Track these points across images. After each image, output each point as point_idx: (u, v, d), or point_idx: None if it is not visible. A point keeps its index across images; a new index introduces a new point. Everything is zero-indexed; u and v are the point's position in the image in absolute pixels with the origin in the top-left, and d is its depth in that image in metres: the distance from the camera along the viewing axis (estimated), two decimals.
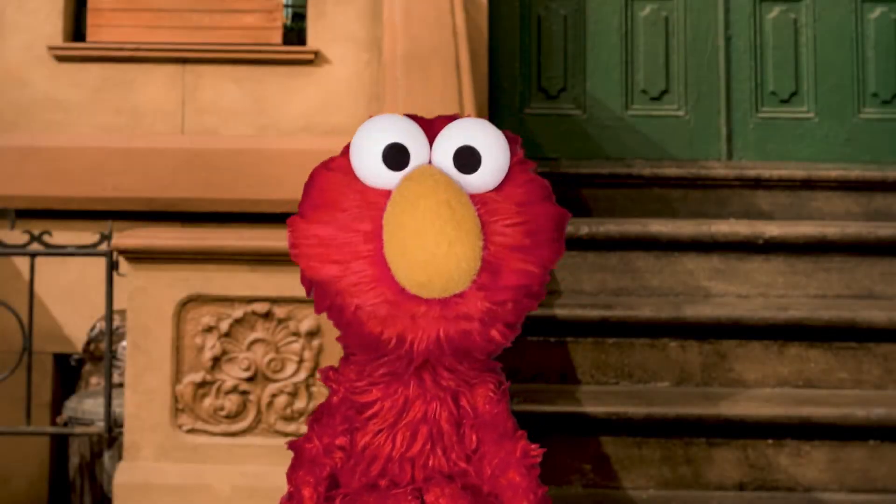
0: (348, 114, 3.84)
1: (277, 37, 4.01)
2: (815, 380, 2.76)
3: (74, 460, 3.39)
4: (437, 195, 1.41)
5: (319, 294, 1.51)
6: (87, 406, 3.31)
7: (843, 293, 3.03)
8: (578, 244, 2.99)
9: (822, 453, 2.57)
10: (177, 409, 2.78)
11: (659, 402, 2.63)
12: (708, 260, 3.05)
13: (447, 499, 1.50)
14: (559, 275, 2.95)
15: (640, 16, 3.93)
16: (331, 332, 2.73)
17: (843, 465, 2.56)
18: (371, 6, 3.88)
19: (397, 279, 1.43)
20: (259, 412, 2.78)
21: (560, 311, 2.79)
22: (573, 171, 3.61)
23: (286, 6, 4.13)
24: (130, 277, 2.83)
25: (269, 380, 2.78)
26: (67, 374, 3.79)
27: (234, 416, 2.78)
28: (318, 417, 1.61)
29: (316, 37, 3.95)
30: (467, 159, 1.48)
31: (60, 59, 3.92)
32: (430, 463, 1.54)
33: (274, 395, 2.78)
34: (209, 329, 2.79)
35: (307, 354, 2.78)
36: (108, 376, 3.01)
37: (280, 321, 2.78)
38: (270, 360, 2.78)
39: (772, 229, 3.08)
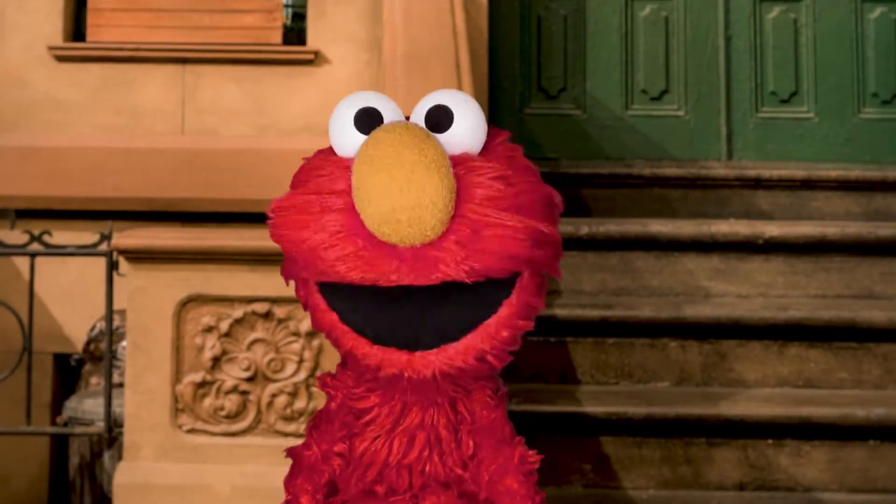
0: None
1: (277, 37, 4.01)
2: (815, 380, 2.76)
3: (74, 460, 3.39)
4: (403, 138, 1.38)
5: (294, 266, 1.48)
6: (87, 406, 3.31)
7: (843, 293, 3.03)
8: (578, 244, 2.99)
9: (822, 453, 2.56)
10: (177, 409, 2.78)
11: (659, 402, 2.63)
12: (708, 260, 3.05)
13: None
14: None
15: (640, 16, 3.93)
16: None
17: (843, 465, 2.56)
18: (371, 6, 3.88)
19: (367, 227, 1.39)
20: (259, 412, 2.78)
21: (560, 311, 2.79)
22: (573, 171, 3.60)
23: (286, 6, 4.13)
24: (130, 277, 2.83)
25: (269, 380, 2.78)
26: (67, 374, 3.79)
27: (234, 416, 2.78)
28: (316, 424, 1.61)
29: (316, 37, 3.95)
30: (439, 118, 1.45)
31: (60, 59, 3.92)
32: (428, 469, 1.54)
33: (274, 395, 2.78)
34: (209, 329, 2.79)
35: (307, 354, 2.78)
36: (108, 376, 3.01)
37: (280, 321, 2.78)
38: (270, 360, 2.78)
39: (772, 229, 3.08)
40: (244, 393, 2.78)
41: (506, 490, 1.52)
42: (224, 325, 2.78)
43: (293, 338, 2.78)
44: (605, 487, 2.55)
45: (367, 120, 1.47)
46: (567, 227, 2.99)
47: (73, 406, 3.37)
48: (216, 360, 2.79)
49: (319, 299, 1.49)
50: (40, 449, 3.68)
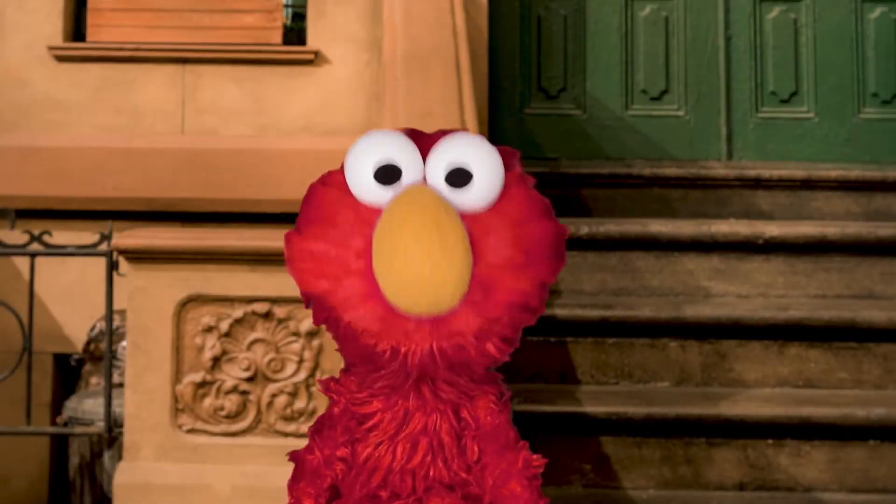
0: (348, 114, 3.84)
1: (277, 37, 4.01)
2: (815, 380, 2.76)
3: (74, 460, 3.39)
4: (424, 215, 1.41)
5: (316, 306, 1.52)
6: (87, 406, 3.31)
7: (843, 293, 3.03)
8: (578, 244, 2.99)
9: (822, 453, 2.56)
10: (177, 409, 2.78)
11: (659, 402, 2.63)
12: (708, 260, 3.05)
13: None
14: (559, 275, 2.95)
15: (640, 16, 3.93)
16: None
17: (843, 465, 2.56)
18: (371, 6, 3.88)
19: (385, 297, 1.43)
20: (259, 412, 2.78)
21: (560, 311, 2.79)
22: (573, 171, 3.60)
23: (286, 6, 4.13)
24: (130, 277, 2.83)
25: (269, 380, 2.78)
26: (67, 374, 3.78)
27: (234, 416, 2.78)
28: (318, 429, 1.61)
29: (316, 37, 3.95)
30: (459, 177, 1.47)
31: (60, 59, 3.92)
32: (431, 474, 1.54)
33: (274, 395, 2.78)
34: (209, 329, 2.79)
35: (307, 354, 2.78)
36: (108, 376, 3.01)
37: (280, 321, 2.78)
38: (270, 360, 2.78)
39: (772, 229, 3.08)
40: (244, 393, 2.78)
41: (510, 494, 1.53)
42: (224, 325, 2.79)
43: (293, 338, 2.78)
44: (605, 487, 2.55)
45: (389, 174, 1.48)
46: (567, 227, 2.99)
47: (73, 406, 3.37)
48: (216, 360, 2.79)
49: None
50: (40, 449, 3.68)
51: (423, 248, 1.39)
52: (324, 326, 1.53)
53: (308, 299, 1.52)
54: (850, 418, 2.56)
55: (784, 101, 3.89)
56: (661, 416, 2.57)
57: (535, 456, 1.56)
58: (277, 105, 3.91)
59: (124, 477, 2.77)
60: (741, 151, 3.85)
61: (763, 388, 2.75)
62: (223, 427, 2.78)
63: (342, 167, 1.54)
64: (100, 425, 3.09)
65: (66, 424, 3.33)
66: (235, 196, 3.75)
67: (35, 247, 3.10)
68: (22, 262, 3.36)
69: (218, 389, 2.78)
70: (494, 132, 3.73)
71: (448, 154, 1.49)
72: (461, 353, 1.47)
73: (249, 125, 3.92)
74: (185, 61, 3.93)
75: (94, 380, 3.54)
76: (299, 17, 4.10)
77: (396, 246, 1.40)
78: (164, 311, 2.79)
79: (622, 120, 3.88)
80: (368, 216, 1.46)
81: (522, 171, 1.54)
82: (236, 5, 4.00)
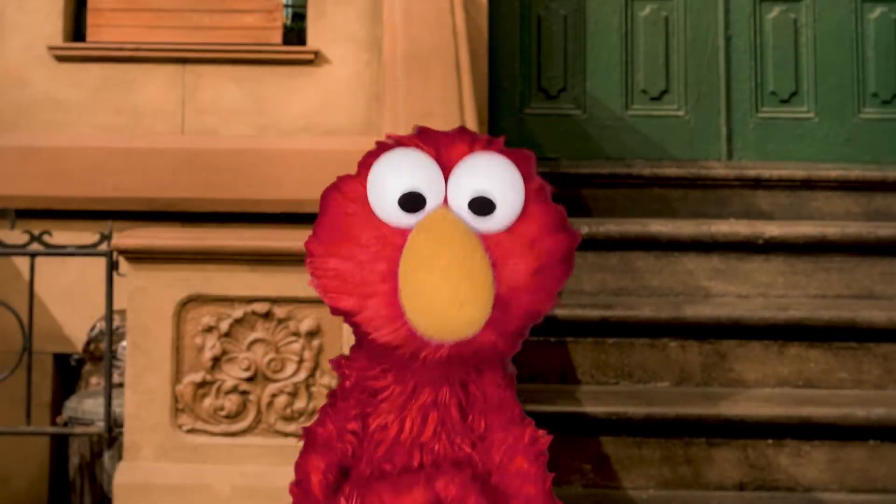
0: (348, 114, 3.84)
1: (277, 37, 4.00)
2: (815, 380, 2.76)
3: (74, 460, 3.39)
4: (452, 251, 1.44)
5: (340, 313, 1.56)
6: (87, 406, 3.31)
7: (843, 293, 3.03)
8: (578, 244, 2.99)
9: (822, 453, 2.56)
10: (177, 409, 2.78)
11: (659, 402, 2.63)
12: (708, 260, 3.05)
13: (457, 488, 1.51)
14: None
15: (640, 16, 3.93)
16: (331, 332, 2.74)
17: (843, 465, 2.56)
18: (371, 6, 3.88)
19: (409, 322, 1.47)
20: (259, 412, 2.78)
21: (560, 311, 2.79)
22: (573, 171, 3.61)
23: (286, 6, 4.13)
24: (130, 277, 2.83)
25: (269, 380, 2.78)
26: (67, 374, 3.78)
27: (234, 416, 2.78)
28: (331, 402, 1.63)
29: (316, 37, 3.95)
30: (483, 206, 1.49)
31: (60, 59, 3.92)
32: (437, 448, 1.55)
33: (274, 395, 2.78)
34: (209, 329, 2.79)
35: (307, 354, 2.78)
36: (108, 376, 3.01)
37: (280, 321, 2.78)
38: (270, 360, 2.78)
39: (772, 229, 3.08)
40: (244, 393, 2.78)
41: (517, 471, 1.55)
42: (224, 325, 2.78)
43: (293, 338, 2.78)
44: (605, 487, 2.55)
45: (413, 201, 1.50)
46: (579, 232, 2.99)
47: (73, 406, 3.37)
48: (216, 360, 2.79)
49: None
50: (40, 449, 3.68)
51: (451, 287, 1.43)
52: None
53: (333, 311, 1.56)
54: (850, 418, 2.56)
55: (784, 101, 3.89)
56: (661, 416, 2.57)
57: (540, 432, 1.58)
58: (277, 105, 3.91)
59: (124, 477, 2.77)
60: (741, 151, 3.85)
61: (763, 388, 2.75)
62: (223, 427, 2.78)
63: (360, 171, 1.54)
64: (100, 425, 3.08)
65: (66, 424, 3.33)
66: (235, 196, 3.75)
67: (35, 247, 3.10)
68: (22, 262, 3.35)
69: (218, 389, 2.78)
70: (494, 132, 3.73)
71: (472, 181, 1.50)
72: (477, 354, 1.52)
73: (249, 125, 3.91)
74: (185, 61, 3.93)
75: (94, 380, 3.54)
76: (299, 17, 4.10)
77: (424, 280, 1.44)
78: (164, 311, 2.78)
79: (622, 120, 3.88)
80: (392, 239, 1.49)
81: (542, 183, 1.55)
82: (236, 5, 4.00)
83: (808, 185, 3.59)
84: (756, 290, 3.02)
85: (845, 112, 3.87)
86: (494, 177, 1.51)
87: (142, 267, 2.81)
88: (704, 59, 3.90)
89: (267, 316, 2.79)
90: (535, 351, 2.69)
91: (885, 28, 3.90)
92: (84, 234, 3.24)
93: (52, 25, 3.94)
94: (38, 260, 3.12)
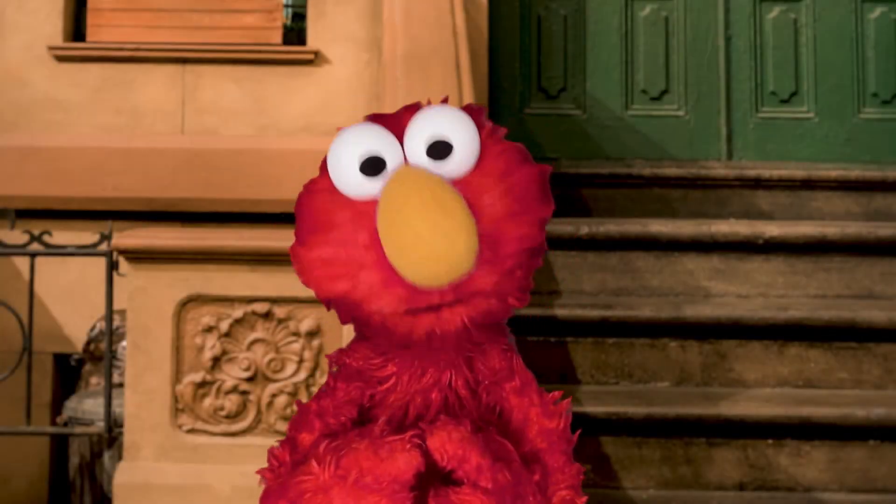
0: (348, 114, 3.83)
1: (277, 37, 4.01)
2: (815, 380, 2.76)
3: (74, 460, 3.39)
4: (420, 193, 1.44)
5: (339, 309, 1.54)
6: (87, 406, 3.31)
7: (843, 293, 3.03)
8: (578, 244, 2.99)
9: (822, 453, 2.56)
10: (177, 409, 2.78)
11: (659, 402, 2.63)
12: (708, 260, 3.05)
13: (454, 444, 1.45)
14: (559, 275, 2.95)
15: (640, 16, 3.93)
16: (331, 331, 2.74)
17: (843, 465, 2.56)
18: (371, 6, 3.88)
19: (405, 278, 1.45)
20: (259, 412, 2.78)
21: (560, 311, 2.79)
22: (573, 171, 3.60)
23: (286, 6, 4.13)
24: (130, 277, 2.83)
25: (269, 380, 2.78)
26: (67, 374, 3.79)
27: (234, 416, 2.78)
28: (330, 384, 1.61)
29: (316, 37, 3.95)
30: (439, 150, 1.50)
31: (60, 59, 3.92)
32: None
33: (274, 395, 2.78)
34: (209, 329, 2.79)
35: (307, 354, 2.78)
36: (108, 376, 3.01)
37: (280, 321, 2.78)
38: (270, 360, 2.78)
39: (772, 229, 3.08)
40: (244, 393, 2.78)
41: (540, 430, 1.54)
42: (224, 325, 2.79)
43: (293, 338, 2.78)
44: (605, 487, 2.55)
45: (373, 165, 1.51)
46: (567, 227, 2.99)
47: (73, 406, 3.37)
48: (216, 360, 2.79)
49: None
50: (40, 449, 3.68)
51: (429, 221, 1.42)
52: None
53: (329, 303, 1.54)
54: (850, 418, 2.56)
55: (784, 101, 3.89)
56: (661, 416, 2.57)
57: (555, 394, 1.58)
58: (277, 105, 3.91)
59: (124, 477, 2.77)
60: (741, 151, 3.85)
61: (763, 388, 2.75)
62: (223, 427, 2.78)
63: (322, 172, 1.56)
64: (100, 425, 3.09)
65: (66, 424, 3.33)
66: (235, 196, 3.75)
67: (35, 247, 3.10)
68: (22, 262, 3.36)
69: (218, 389, 2.78)
70: None
71: (424, 131, 1.52)
72: (489, 316, 1.50)
73: (249, 125, 3.92)
74: (185, 61, 3.93)
75: (94, 380, 3.54)
76: (299, 17, 4.10)
77: (403, 228, 1.43)
78: (164, 311, 2.79)
79: (622, 120, 3.88)
80: (365, 209, 1.49)
81: (493, 125, 1.57)
82: (236, 5, 4.00)
83: (808, 185, 3.59)
84: (756, 290, 3.02)
85: (845, 112, 3.87)
86: (445, 120, 1.53)
87: (142, 267, 2.81)
88: (704, 59, 3.90)
89: (267, 316, 2.79)
90: (535, 351, 2.69)
91: (885, 28, 3.90)
92: (84, 234, 3.24)
93: (52, 25, 3.94)
94: (38, 260, 3.12)
